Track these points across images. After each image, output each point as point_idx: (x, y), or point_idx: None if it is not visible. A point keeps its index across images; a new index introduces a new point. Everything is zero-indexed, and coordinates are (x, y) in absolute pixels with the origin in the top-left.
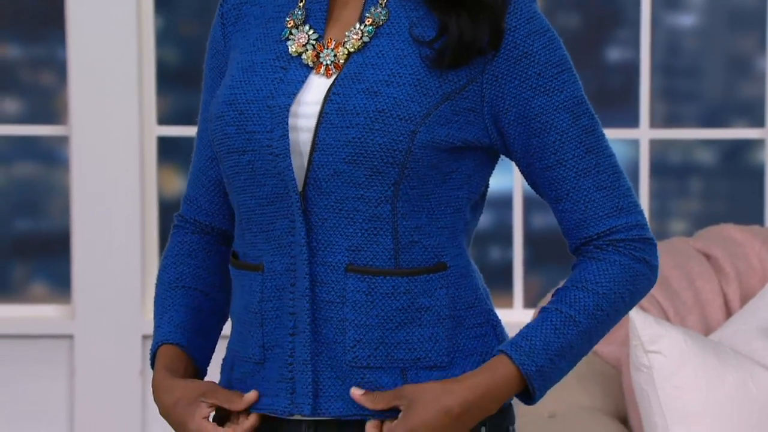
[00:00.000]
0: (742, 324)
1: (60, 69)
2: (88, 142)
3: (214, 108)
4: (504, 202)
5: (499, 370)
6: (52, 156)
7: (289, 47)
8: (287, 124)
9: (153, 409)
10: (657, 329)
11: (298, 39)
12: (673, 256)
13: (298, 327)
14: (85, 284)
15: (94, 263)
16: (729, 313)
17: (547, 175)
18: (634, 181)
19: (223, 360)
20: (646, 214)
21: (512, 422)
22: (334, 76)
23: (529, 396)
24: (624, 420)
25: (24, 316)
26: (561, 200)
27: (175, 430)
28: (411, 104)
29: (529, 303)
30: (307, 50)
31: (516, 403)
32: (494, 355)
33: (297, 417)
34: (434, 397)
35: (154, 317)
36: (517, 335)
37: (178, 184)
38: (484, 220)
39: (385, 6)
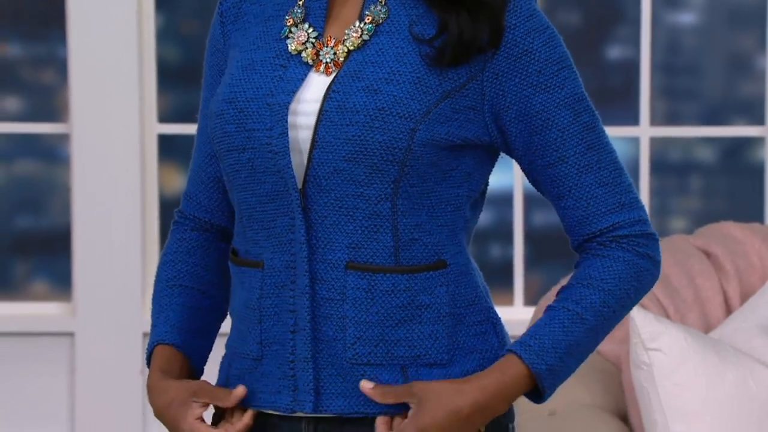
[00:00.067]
0: (742, 322)
1: (61, 67)
2: (89, 140)
3: (214, 106)
4: (504, 200)
5: (509, 370)
6: (52, 154)
7: (289, 45)
8: (287, 121)
9: None
10: (657, 327)
11: (298, 37)
12: (673, 253)
13: (298, 324)
14: (85, 282)
15: (94, 261)
16: (729, 310)
17: (549, 173)
18: (635, 179)
19: (223, 357)
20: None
21: (512, 420)
22: (333, 74)
23: (538, 395)
24: (624, 417)
25: (25, 314)
26: (563, 197)
27: (169, 431)
28: (411, 102)
29: (529, 300)
30: (306, 48)
31: (516, 400)
32: (502, 355)
33: (299, 414)
34: (445, 397)
35: (152, 316)
36: (526, 335)
37: (178, 182)
38: (485, 217)
39: (385, 4)
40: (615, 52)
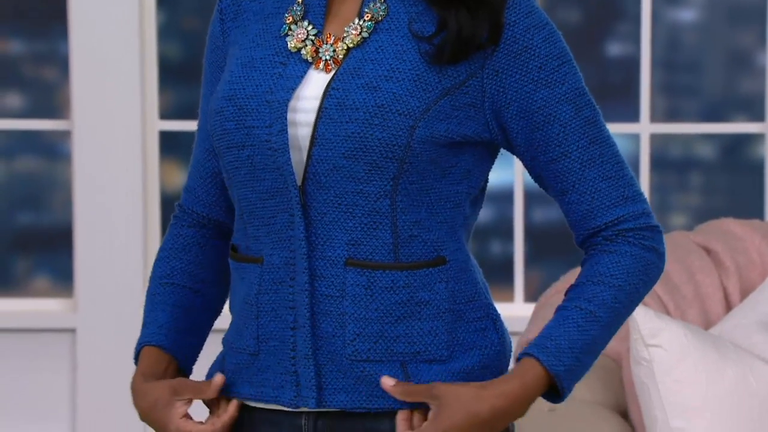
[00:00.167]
0: (742, 318)
1: (62, 64)
2: (91, 137)
3: (214, 103)
4: (505, 197)
5: (528, 374)
6: (54, 150)
7: (288, 43)
8: (286, 119)
9: None
10: (657, 323)
11: (297, 34)
12: (674, 250)
13: (298, 321)
14: (87, 278)
15: (96, 257)
16: (729, 307)
17: (552, 168)
18: (635, 176)
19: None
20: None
21: None
22: (333, 72)
23: (556, 394)
24: (624, 414)
25: (26, 310)
26: (567, 192)
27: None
28: (410, 99)
29: (529, 297)
30: (306, 46)
31: None
32: (518, 360)
33: (304, 409)
34: (466, 402)
35: (143, 313)
36: (541, 336)
37: (179, 179)
38: (485, 214)
39: (384, 1)
40: (615, 49)
